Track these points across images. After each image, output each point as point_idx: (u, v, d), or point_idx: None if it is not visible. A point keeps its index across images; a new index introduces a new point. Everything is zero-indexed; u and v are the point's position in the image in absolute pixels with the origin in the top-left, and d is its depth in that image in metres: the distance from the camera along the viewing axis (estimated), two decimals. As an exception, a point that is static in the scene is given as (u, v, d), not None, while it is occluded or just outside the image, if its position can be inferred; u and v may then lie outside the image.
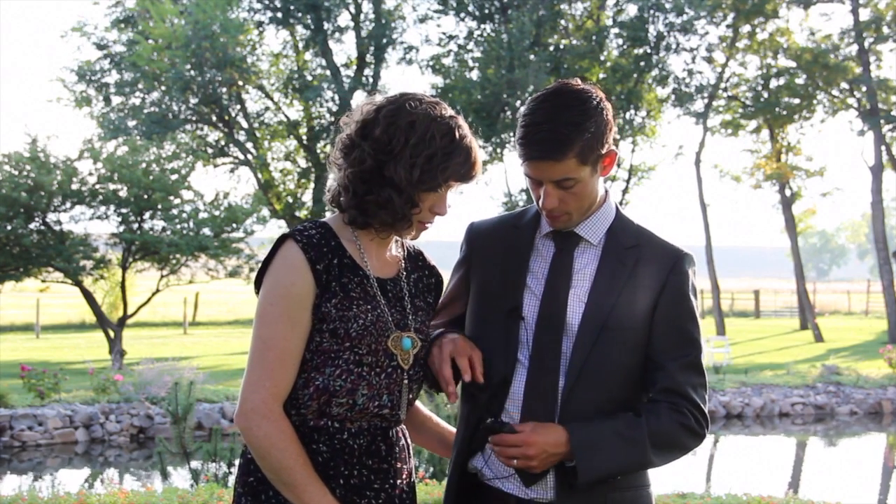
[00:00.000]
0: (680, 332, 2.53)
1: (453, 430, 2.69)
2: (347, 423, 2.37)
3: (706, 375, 2.57)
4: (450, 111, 2.42)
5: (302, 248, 2.34)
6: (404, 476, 2.47)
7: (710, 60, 31.24)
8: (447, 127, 2.38)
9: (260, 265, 2.40)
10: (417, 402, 2.65)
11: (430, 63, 29.91)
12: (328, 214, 2.77)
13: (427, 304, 2.56)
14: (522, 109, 2.52)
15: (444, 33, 30.51)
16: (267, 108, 30.45)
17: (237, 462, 2.48)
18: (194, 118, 29.02)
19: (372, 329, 2.36)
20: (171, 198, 22.04)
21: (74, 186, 21.25)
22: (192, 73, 27.01)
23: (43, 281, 22.79)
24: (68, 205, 21.56)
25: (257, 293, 2.39)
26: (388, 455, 2.42)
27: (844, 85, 31.29)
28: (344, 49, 34.76)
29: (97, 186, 21.58)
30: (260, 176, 29.16)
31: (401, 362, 2.41)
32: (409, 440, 2.52)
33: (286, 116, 30.32)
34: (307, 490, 2.27)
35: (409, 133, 2.34)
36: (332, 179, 2.49)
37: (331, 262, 2.35)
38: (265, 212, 24.88)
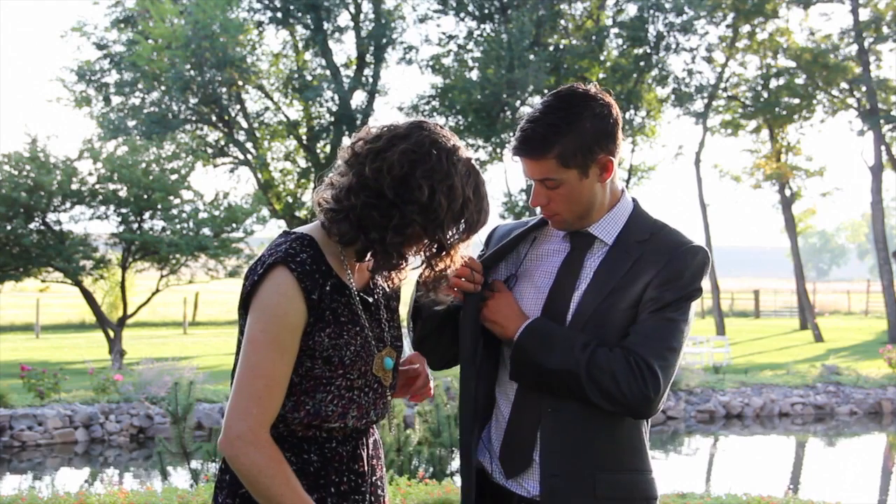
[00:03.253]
0: (657, 312, 2.50)
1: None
2: (335, 433, 2.40)
3: (674, 351, 2.50)
4: (466, 151, 2.39)
5: (297, 278, 2.29)
6: (378, 472, 2.50)
7: (710, 60, 31.24)
8: (475, 183, 2.38)
9: (247, 288, 2.33)
10: None
11: (430, 63, 29.91)
12: None
13: (397, 299, 2.59)
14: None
15: (444, 33, 30.54)
16: (267, 108, 30.45)
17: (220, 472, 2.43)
18: (194, 118, 29.01)
19: (362, 353, 2.38)
20: (171, 198, 22.05)
21: (74, 186, 21.25)
22: (192, 73, 27.01)
23: (43, 281, 22.79)
24: (68, 205, 21.56)
25: (242, 314, 2.35)
26: (367, 456, 2.46)
27: (844, 85, 31.29)
28: (344, 49, 34.72)
29: (97, 186, 21.58)
30: (260, 176, 29.17)
31: (384, 381, 2.45)
32: (378, 435, 2.55)
33: (286, 116, 30.33)
34: None
35: (451, 199, 2.32)
36: (328, 196, 2.36)
37: (323, 288, 2.33)
38: (265, 212, 24.88)
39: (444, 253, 2.39)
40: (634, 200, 2.66)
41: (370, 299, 2.44)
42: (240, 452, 2.26)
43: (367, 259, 2.41)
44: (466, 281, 2.56)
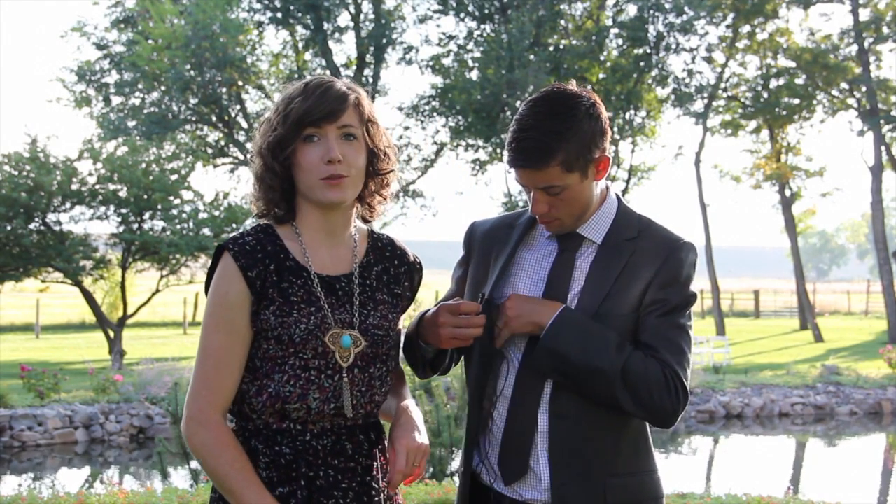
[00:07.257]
0: (666, 316, 2.48)
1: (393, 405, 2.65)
2: (309, 425, 2.38)
3: (690, 361, 2.51)
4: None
5: (233, 257, 2.36)
6: (374, 472, 2.44)
7: (709, 60, 31.25)
8: (296, 88, 2.47)
9: (206, 275, 2.44)
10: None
11: (430, 63, 29.92)
12: None
13: (394, 294, 2.52)
14: (516, 114, 2.52)
15: (443, 33, 30.56)
16: (267, 109, 30.39)
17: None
18: (194, 118, 29.02)
19: (316, 332, 2.35)
20: (171, 198, 22.04)
21: (74, 186, 21.25)
22: (192, 73, 27.01)
23: (43, 281, 22.79)
24: (68, 205, 21.56)
25: None
26: (355, 453, 2.41)
27: (844, 85, 31.30)
28: (344, 49, 34.69)
29: (97, 186, 21.58)
30: (260, 176, 29.14)
31: (339, 359, 2.37)
32: (381, 435, 2.50)
33: (286, 116, 30.30)
34: (244, 494, 2.29)
35: (263, 128, 2.47)
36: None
37: (267, 267, 2.36)
38: (265, 212, 24.87)
39: (265, 162, 2.46)
40: (617, 196, 2.63)
41: (342, 282, 2.42)
42: (191, 433, 2.33)
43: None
44: (466, 329, 2.48)
